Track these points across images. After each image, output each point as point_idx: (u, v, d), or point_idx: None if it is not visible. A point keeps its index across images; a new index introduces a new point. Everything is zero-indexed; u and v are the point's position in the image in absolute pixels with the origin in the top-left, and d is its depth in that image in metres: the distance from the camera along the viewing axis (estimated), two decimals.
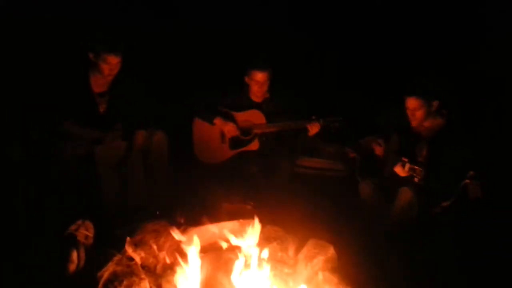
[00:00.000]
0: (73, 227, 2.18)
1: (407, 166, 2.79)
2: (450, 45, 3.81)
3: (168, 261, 2.17)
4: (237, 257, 2.14)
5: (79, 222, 2.20)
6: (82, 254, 2.12)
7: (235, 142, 3.47)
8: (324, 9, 4.10)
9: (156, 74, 3.81)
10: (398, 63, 3.79)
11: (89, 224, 2.22)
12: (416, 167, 2.76)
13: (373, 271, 2.41)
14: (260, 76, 3.41)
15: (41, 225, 2.46)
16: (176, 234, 2.16)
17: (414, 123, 2.97)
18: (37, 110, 3.04)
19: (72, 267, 2.04)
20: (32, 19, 3.50)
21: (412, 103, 2.94)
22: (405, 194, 2.83)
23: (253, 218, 2.59)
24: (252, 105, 3.52)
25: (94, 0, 3.76)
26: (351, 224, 2.98)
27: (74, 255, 2.06)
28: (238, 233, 2.48)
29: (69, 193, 2.98)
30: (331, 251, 2.40)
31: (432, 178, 2.80)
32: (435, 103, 2.91)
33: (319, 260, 2.35)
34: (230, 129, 3.45)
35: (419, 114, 2.93)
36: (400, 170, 2.85)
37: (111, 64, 3.01)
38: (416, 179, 2.77)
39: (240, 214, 2.75)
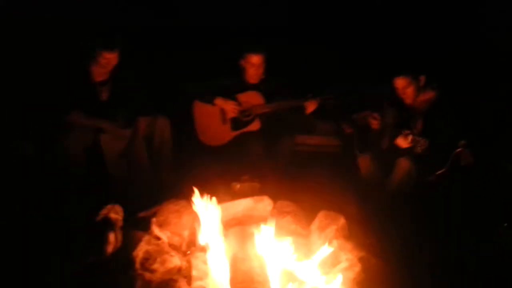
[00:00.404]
0: (104, 211, 2.26)
1: (410, 137, 2.90)
2: (450, 45, 3.89)
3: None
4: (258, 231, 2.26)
5: (109, 206, 2.29)
6: (119, 236, 2.21)
7: (236, 124, 3.55)
8: (324, 8, 4.17)
9: (154, 73, 3.84)
10: (396, 63, 3.85)
11: (118, 208, 2.31)
12: (419, 138, 2.88)
13: (381, 236, 2.57)
14: (255, 59, 3.48)
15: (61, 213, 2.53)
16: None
17: (408, 101, 3.11)
18: (42, 104, 3.07)
19: (110, 248, 2.14)
20: (32, 19, 3.51)
21: (400, 82, 3.09)
22: (404, 164, 2.99)
23: (263, 195, 2.75)
24: (249, 87, 3.58)
25: (94, 0, 3.78)
26: (354, 195, 3.14)
27: (112, 236, 2.15)
28: (253, 210, 2.63)
29: (78, 182, 3.04)
30: (341, 220, 2.55)
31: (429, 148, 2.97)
32: (422, 78, 3.07)
33: (332, 229, 2.49)
34: (231, 107, 3.50)
35: (410, 91, 3.07)
36: (402, 142, 2.96)
37: (108, 59, 3.06)
38: (419, 150, 2.89)
39: (250, 192, 2.88)
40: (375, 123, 3.34)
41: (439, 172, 2.97)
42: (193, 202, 2.30)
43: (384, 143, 3.26)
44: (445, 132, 2.98)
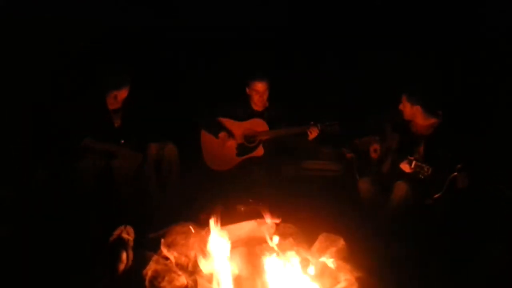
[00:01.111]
0: (117, 232, 2.41)
1: (414, 163, 2.97)
2: (450, 45, 3.97)
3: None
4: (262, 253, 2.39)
5: (122, 227, 2.44)
6: (131, 255, 2.36)
7: (241, 149, 3.73)
8: (324, 9, 4.25)
9: (155, 75, 3.95)
10: (396, 62, 3.96)
11: (130, 229, 2.46)
12: (423, 164, 2.95)
13: (379, 258, 2.68)
14: (260, 86, 3.68)
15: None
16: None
17: (415, 128, 3.26)
18: (58, 129, 3.26)
19: (122, 266, 2.28)
20: (32, 19, 3.59)
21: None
22: (401, 187, 3.10)
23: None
24: (254, 114, 3.77)
25: (94, 0, 3.86)
26: (353, 218, 3.24)
27: (124, 255, 2.30)
28: (257, 232, 2.75)
29: (89, 203, 3.21)
30: (341, 242, 2.66)
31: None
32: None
33: (331, 251, 2.60)
34: (231, 145, 3.72)
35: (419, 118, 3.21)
36: (406, 167, 3.04)
37: (116, 95, 3.31)
38: (421, 176, 2.96)
39: (254, 215, 3.00)
40: (377, 148, 3.47)
41: (436, 195, 3.06)
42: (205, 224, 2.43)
43: (385, 167, 3.37)
44: (445, 157, 3.07)
